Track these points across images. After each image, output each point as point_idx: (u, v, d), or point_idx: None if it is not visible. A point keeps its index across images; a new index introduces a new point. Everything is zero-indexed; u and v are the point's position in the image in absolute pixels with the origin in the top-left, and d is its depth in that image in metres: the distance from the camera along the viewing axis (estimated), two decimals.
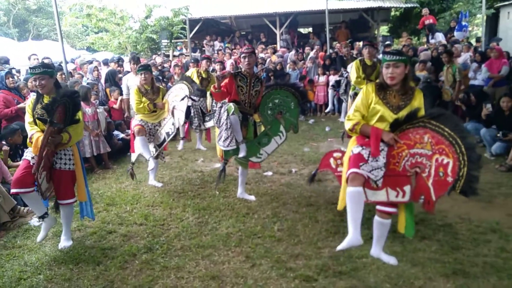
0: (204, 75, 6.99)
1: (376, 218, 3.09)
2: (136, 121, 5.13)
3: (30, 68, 3.54)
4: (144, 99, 5.10)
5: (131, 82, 6.53)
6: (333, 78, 9.89)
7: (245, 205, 4.48)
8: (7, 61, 7.97)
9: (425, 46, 11.50)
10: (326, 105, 10.39)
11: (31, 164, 3.39)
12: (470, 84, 8.18)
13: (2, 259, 3.60)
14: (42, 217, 3.66)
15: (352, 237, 2.93)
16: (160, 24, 13.11)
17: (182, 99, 5.11)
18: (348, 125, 3.08)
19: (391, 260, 3.13)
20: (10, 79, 5.83)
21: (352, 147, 3.06)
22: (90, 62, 10.15)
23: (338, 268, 3.12)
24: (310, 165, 5.90)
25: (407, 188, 2.90)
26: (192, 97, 6.20)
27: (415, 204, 3.04)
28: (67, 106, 3.38)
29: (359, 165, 2.89)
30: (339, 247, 3.00)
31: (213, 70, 8.03)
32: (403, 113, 2.92)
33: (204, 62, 7.14)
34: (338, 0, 14.82)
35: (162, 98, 5.22)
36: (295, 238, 3.65)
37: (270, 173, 5.64)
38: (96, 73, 8.50)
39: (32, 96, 3.65)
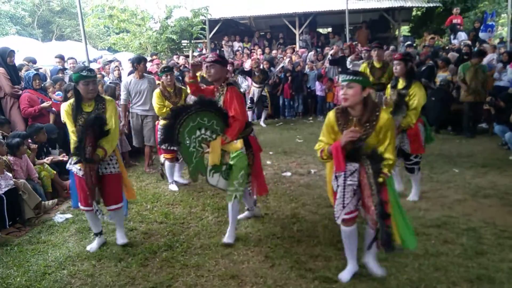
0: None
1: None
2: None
3: (80, 72, 3.37)
4: (167, 102, 4.99)
5: (135, 86, 5.90)
6: None
7: (264, 206, 4.49)
8: (34, 61, 8.15)
9: (447, 46, 11.29)
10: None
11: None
12: (495, 85, 7.99)
13: (28, 254, 3.70)
14: (96, 234, 3.76)
15: (352, 266, 3.02)
16: (180, 25, 13.22)
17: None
18: (318, 155, 2.92)
19: (378, 270, 2.99)
20: (37, 81, 5.97)
21: (331, 177, 2.92)
22: (111, 62, 10.31)
23: (359, 270, 3.08)
24: None
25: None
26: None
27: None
28: (96, 133, 3.33)
29: (345, 205, 2.82)
30: (345, 280, 2.96)
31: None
32: (368, 143, 2.72)
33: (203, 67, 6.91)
34: (358, 0, 14.68)
35: (185, 100, 5.12)
36: (315, 239, 3.64)
37: (289, 174, 5.63)
38: (117, 73, 8.63)
39: (69, 102, 3.50)
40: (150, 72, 7.27)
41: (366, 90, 2.71)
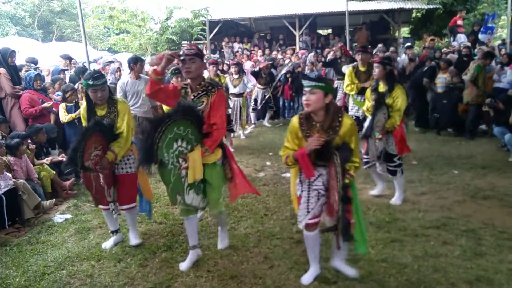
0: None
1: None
2: None
3: (88, 81, 3.35)
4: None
5: (132, 87, 5.82)
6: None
7: (263, 206, 4.49)
8: (36, 62, 8.15)
9: (446, 49, 11.28)
10: (346, 109, 10.27)
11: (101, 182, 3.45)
12: (494, 87, 7.98)
13: (27, 254, 3.70)
14: (113, 232, 3.78)
15: (314, 269, 3.04)
16: (180, 26, 13.24)
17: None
18: (283, 161, 2.89)
19: (350, 272, 3.00)
20: (38, 81, 5.99)
21: (296, 181, 2.96)
22: (111, 62, 10.30)
23: (358, 271, 3.09)
24: None
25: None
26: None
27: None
28: (106, 137, 3.33)
29: (309, 210, 2.84)
30: (306, 282, 2.98)
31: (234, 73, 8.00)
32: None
33: (210, 67, 6.83)
34: (358, 1, 14.70)
35: None
36: None
37: (288, 175, 5.62)
38: (118, 74, 8.62)
39: (83, 106, 3.55)
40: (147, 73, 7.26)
41: (328, 96, 2.71)
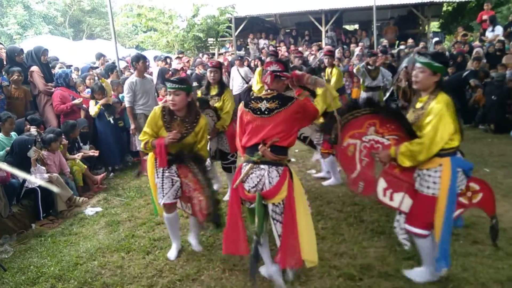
0: None
1: None
2: None
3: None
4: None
5: (141, 86, 5.66)
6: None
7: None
8: (57, 60, 8.34)
9: (478, 42, 10.92)
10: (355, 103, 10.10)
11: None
12: None
13: (61, 245, 3.85)
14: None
15: (176, 245, 3.49)
16: (207, 23, 13.36)
17: None
18: (141, 146, 3.27)
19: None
20: (71, 78, 6.27)
21: (153, 171, 3.31)
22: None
23: (384, 268, 3.07)
24: None
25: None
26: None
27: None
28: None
29: (164, 194, 3.24)
30: (173, 257, 3.41)
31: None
32: (186, 141, 3.14)
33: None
34: None
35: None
36: (340, 237, 3.63)
37: (314, 171, 5.61)
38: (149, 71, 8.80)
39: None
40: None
41: (190, 96, 3.10)
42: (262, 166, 2.69)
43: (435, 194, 2.63)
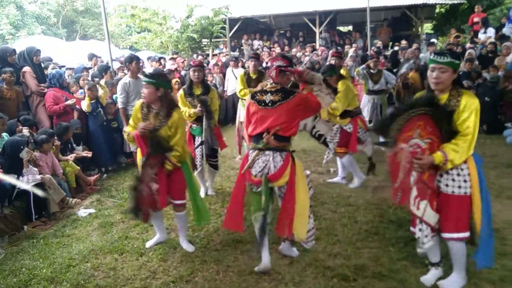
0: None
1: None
2: None
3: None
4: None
5: (135, 87, 5.53)
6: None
7: None
8: (50, 60, 8.29)
9: (469, 44, 10.99)
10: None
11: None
12: None
13: (53, 246, 3.82)
14: None
15: (161, 237, 3.69)
16: (201, 24, 13.34)
17: None
18: (124, 136, 3.53)
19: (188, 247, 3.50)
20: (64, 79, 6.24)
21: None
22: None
23: (378, 269, 3.07)
24: None
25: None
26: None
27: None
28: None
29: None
30: (148, 245, 3.64)
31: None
32: (159, 134, 3.25)
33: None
34: None
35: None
36: (334, 238, 3.63)
37: (308, 172, 5.57)
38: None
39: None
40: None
41: (160, 90, 3.23)
42: (267, 152, 3.03)
43: (467, 193, 2.59)
